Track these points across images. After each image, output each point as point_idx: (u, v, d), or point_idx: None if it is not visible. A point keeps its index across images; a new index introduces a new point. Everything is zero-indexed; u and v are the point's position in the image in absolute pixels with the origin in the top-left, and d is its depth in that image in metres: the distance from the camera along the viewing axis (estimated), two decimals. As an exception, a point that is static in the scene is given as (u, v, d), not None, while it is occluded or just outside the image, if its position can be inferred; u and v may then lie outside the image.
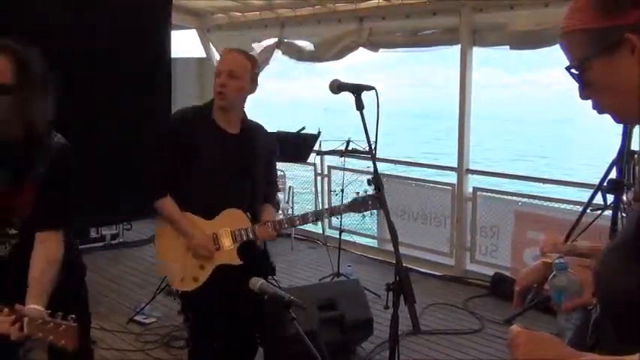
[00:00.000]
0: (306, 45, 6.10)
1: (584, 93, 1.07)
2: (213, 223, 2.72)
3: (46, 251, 1.95)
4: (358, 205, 2.79)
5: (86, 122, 3.75)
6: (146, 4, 4.52)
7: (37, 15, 3.64)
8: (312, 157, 5.93)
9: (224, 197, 2.72)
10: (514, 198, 5.23)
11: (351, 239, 6.03)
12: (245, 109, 2.82)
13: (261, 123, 2.95)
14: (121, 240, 6.06)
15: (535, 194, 5.23)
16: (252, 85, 2.74)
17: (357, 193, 2.78)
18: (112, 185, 3.95)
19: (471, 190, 5.31)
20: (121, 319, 4.17)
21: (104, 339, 3.74)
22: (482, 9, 4.88)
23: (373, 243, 6.14)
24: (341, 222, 5.27)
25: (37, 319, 1.70)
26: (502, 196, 5.29)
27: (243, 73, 2.66)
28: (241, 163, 2.74)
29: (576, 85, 1.07)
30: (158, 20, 4.71)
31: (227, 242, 2.71)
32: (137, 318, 4.17)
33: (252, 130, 2.83)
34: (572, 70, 1.05)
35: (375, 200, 2.76)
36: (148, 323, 4.13)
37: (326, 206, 6.39)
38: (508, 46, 4.79)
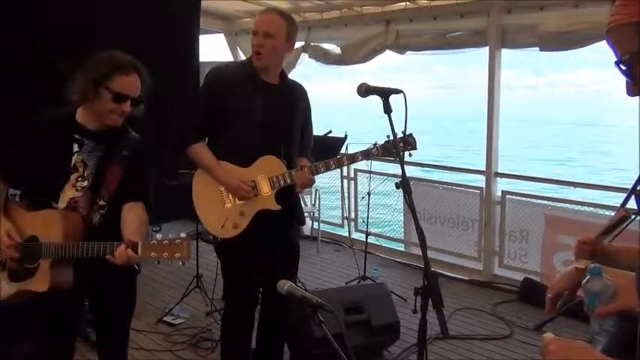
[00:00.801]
0: (333, 48, 6.11)
1: (633, 89, 1.03)
2: (250, 170, 2.74)
3: (136, 215, 2.23)
4: (390, 148, 2.73)
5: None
6: (175, 8, 4.58)
7: (64, 15, 3.71)
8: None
9: (263, 145, 2.75)
10: (544, 202, 5.12)
11: (378, 242, 6.01)
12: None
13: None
14: (150, 242, 6.14)
15: (565, 198, 5.12)
16: (289, 44, 2.78)
17: (388, 136, 2.68)
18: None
19: (499, 193, 5.24)
20: (150, 319, 4.23)
21: (133, 339, 3.78)
22: (510, 10, 4.82)
23: (400, 246, 6.11)
24: (367, 225, 5.25)
25: (150, 240, 1.99)
26: (531, 200, 5.19)
27: (279, 31, 2.70)
28: (282, 111, 2.78)
29: (618, 83, 1.04)
30: (187, 24, 4.77)
31: (265, 188, 2.74)
32: (166, 319, 4.23)
33: (291, 84, 2.90)
34: (621, 66, 1.01)
35: (407, 144, 2.75)
36: (177, 324, 4.18)
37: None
38: (538, 48, 4.71)
